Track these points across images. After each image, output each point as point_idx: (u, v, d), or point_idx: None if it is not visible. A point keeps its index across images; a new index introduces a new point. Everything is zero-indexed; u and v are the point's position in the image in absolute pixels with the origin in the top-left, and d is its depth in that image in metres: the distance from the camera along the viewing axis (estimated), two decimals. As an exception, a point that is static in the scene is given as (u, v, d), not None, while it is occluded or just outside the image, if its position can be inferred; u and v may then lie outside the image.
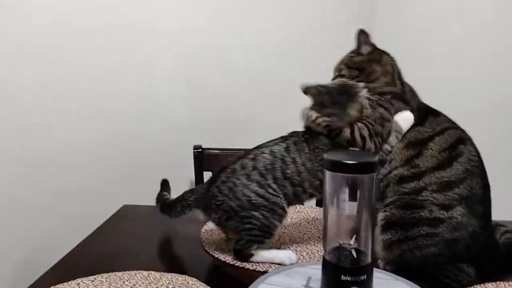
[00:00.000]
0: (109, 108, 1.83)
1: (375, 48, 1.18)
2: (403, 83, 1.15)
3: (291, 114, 1.18)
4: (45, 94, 1.72)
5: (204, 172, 1.70)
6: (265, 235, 1.05)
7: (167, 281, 0.94)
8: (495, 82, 1.89)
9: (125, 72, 1.83)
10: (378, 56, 1.17)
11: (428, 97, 1.14)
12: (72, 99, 1.77)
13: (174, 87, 1.92)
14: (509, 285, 0.93)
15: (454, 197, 0.96)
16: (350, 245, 0.77)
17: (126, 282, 0.93)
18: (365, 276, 0.75)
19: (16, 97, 1.67)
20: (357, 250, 0.77)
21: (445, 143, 1.01)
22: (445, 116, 1.08)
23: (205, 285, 0.92)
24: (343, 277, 0.74)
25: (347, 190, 0.75)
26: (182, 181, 1.86)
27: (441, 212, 0.96)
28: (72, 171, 1.78)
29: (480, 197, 0.98)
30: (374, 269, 0.79)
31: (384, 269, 0.99)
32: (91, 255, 1.12)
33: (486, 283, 0.93)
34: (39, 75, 1.71)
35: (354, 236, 0.77)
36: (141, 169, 1.89)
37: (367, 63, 1.16)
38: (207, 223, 1.22)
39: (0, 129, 1.64)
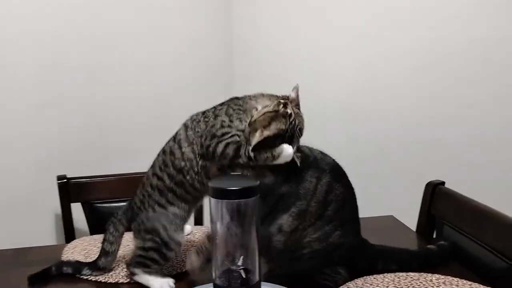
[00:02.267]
0: None
1: None
2: None
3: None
4: None
5: (72, 204, 1.59)
6: (158, 261, 1.06)
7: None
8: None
9: None
10: None
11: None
12: None
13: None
14: (374, 277, 1.06)
15: (330, 229, 1.03)
16: (239, 266, 0.80)
17: None
18: (256, 294, 0.79)
19: None
20: (246, 270, 0.80)
21: (319, 202, 1.03)
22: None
23: None
24: (235, 299, 0.77)
25: (232, 215, 0.77)
26: (47, 214, 1.71)
27: (321, 244, 1.03)
28: None
29: (351, 216, 1.08)
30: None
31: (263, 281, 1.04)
32: None
33: (355, 279, 1.05)
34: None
35: (241, 257, 0.80)
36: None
37: None
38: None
39: None
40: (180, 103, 1.95)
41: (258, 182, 0.78)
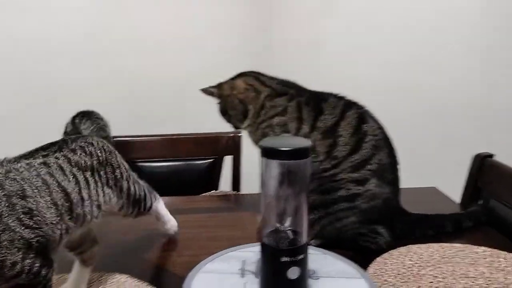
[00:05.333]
0: None
1: (218, 85, 1.30)
2: (269, 84, 1.23)
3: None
4: None
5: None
6: None
7: (95, 281, 0.90)
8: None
9: None
10: (227, 89, 1.28)
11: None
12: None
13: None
14: (417, 247, 1.04)
15: (367, 172, 1.04)
16: (286, 227, 0.80)
17: None
18: (303, 255, 0.79)
19: None
20: (293, 231, 0.80)
21: (350, 127, 1.07)
22: (333, 96, 1.15)
23: (138, 280, 0.90)
24: (282, 259, 0.77)
25: (283, 175, 0.77)
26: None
27: (357, 188, 1.03)
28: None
29: (388, 166, 1.07)
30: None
31: (309, 244, 1.05)
32: None
33: (399, 248, 1.04)
34: None
35: (290, 218, 0.80)
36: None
37: (227, 102, 1.27)
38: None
39: None
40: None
41: (310, 143, 0.77)
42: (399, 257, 1.00)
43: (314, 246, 1.03)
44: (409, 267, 0.96)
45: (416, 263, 0.98)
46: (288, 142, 0.79)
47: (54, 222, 0.74)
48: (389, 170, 1.07)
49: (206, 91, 1.30)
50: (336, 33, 2.14)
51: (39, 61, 1.96)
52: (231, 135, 1.62)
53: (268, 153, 0.76)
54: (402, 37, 2.02)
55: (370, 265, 0.97)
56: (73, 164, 0.82)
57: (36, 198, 0.72)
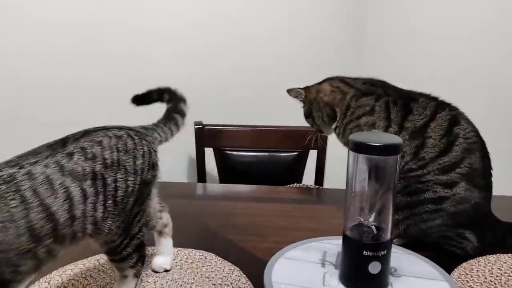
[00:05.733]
0: (116, 84, 1.83)
1: (305, 89, 1.33)
2: (354, 85, 1.23)
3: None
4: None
5: (205, 148, 1.72)
6: None
7: (185, 256, 0.97)
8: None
9: (130, 52, 1.83)
10: (313, 92, 1.30)
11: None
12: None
13: (178, 66, 1.93)
14: (508, 257, 1.00)
15: (455, 176, 1.01)
16: (370, 222, 0.81)
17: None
18: (385, 251, 0.79)
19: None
20: (377, 227, 0.81)
21: (441, 129, 1.04)
22: (424, 96, 1.12)
23: (222, 259, 0.96)
24: (364, 253, 0.78)
25: (370, 170, 0.78)
26: (184, 156, 1.87)
27: (445, 191, 1.00)
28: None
29: (480, 171, 1.03)
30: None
31: (392, 242, 1.05)
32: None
33: (488, 256, 1.00)
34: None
35: (374, 213, 0.81)
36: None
37: (312, 105, 1.31)
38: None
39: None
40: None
41: (401, 140, 0.77)
42: (487, 264, 0.97)
43: (397, 245, 1.02)
44: (497, 276, 0.92)
45: (505, 273, 0.94)
46: (378, 137, 0.79)
47: (25, 250, 0.61)
48: (481, 175, 1.03)
49: (292, 91, 1.34)
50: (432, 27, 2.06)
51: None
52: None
53: (358, 147, 0.77)
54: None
55: (455, 269, 0.94)
56: (66, 173, 0.66)
57: (4, 224, 0.59)
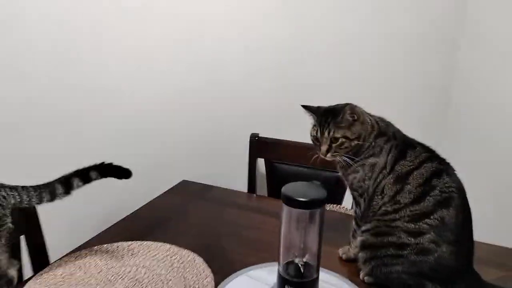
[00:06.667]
0: (181, 98, 2.08)
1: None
2: (376, 122, 1.20)
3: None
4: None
5: (258, 159, 1.90)
6: None
7: (178, 257, 1.19)
8: None
9: (190, 61, 2.03)
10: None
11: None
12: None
13: (237, 79, 2.11)
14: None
15: (424, 226, 1.05)
16: (301, 261, 0.94)
17: (150, 252, 1.21)
18: (309, 288, 0.92)
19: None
20: (306, 265, 0.93)
21: (421, 177, 1.08)
22: (422, 146, 1.14)
23: (206, 265, 1.16)
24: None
25: (298, 219, 0.91)
26: (239, 164, 2.05)
27: (408, 238, 1.06)
28: (142, 148, 2.03)
29: (452, 226, 1.05)
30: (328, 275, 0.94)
31: (363, 279, 1.14)
32: (140, 222, 1.43)
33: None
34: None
35: (303, 253, 0.93)
36: (200, 150, 2.15)
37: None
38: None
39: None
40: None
41: (325, 195, 0.88)
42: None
43: (367, 283, 1.11)
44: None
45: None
46: (307, 191, 0.91)
47: None
48: (452, 230, 1.05)
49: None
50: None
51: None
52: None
53: (287, 200, 0.90)
54: None
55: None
56: None
57: None
